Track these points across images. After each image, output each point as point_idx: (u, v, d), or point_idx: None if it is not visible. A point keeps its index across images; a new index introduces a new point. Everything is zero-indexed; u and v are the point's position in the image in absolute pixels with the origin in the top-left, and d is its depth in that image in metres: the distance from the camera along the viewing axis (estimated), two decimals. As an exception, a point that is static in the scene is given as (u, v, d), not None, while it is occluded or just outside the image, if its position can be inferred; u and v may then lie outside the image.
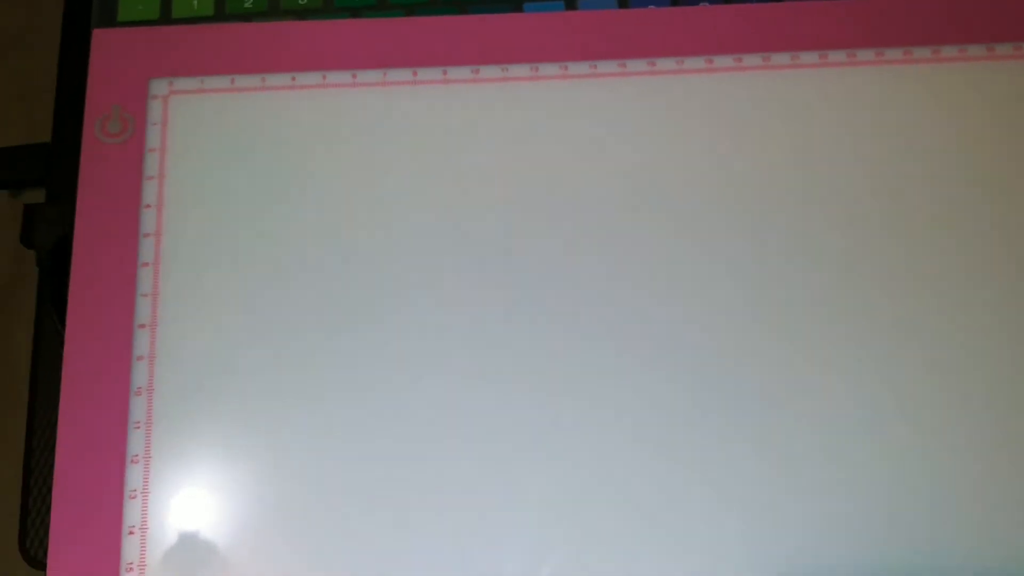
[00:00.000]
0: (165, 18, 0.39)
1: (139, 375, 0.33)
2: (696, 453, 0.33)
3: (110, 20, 0.38)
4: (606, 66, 0.36)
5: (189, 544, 0.32)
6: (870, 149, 0.36)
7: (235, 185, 0.35)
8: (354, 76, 0.36)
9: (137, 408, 0.33)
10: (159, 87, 0.36)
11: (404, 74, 0.36)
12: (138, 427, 0.33)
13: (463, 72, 0.36)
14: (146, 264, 0.35)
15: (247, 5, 0.39)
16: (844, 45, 0.37)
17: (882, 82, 0.36)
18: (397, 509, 0.32)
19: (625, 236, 0.35)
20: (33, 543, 0.33)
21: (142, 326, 0.34)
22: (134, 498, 0.32)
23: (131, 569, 0.32)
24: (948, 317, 0.34)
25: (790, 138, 0.36)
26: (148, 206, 0.35)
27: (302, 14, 0.39)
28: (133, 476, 0.33)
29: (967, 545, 0.32)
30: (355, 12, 0.39)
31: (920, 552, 0.32)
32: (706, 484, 0.32)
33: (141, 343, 0.34)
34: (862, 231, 0.35)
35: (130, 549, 0.32)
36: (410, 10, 0.39)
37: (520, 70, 0.36)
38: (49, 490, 0.33)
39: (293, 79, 0.36)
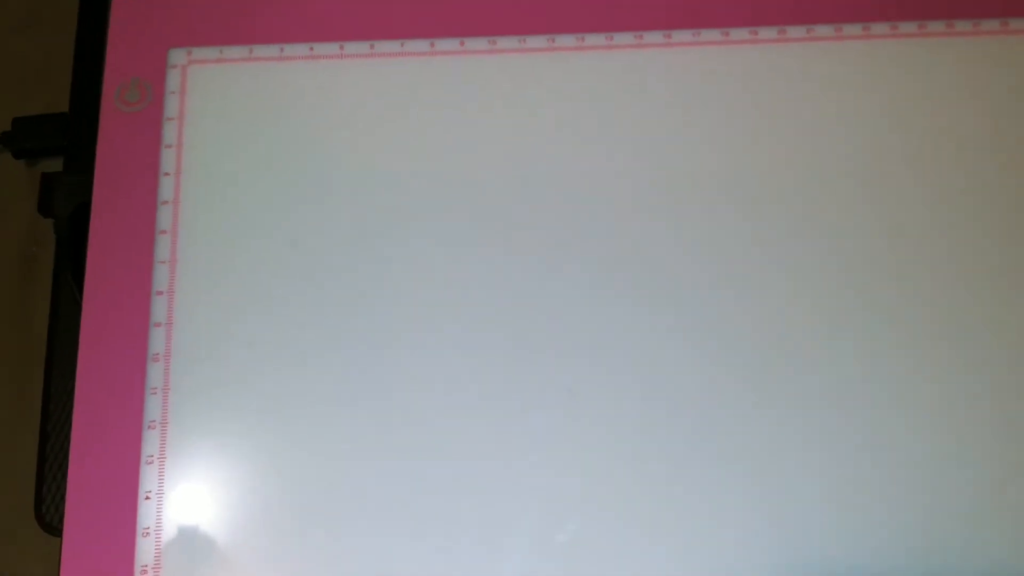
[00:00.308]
0: (182, -9, 0.39)
1: (156, 342, 0.33)
2: (714, 451, 0.32)
3: (127, -7, 0.38)
4: (622, 38, 0.37)
5: (206, 510, 0.32)
6: (889, 122, 0.36)
7: (252, 154, 0.35)
8: (372, 47, 0.37)
9: (154, 375, 0.33)
10: (178, 56, 0.36)
11: (421, 45, 0.36)
12: (155, 394, 0.33)
13: (480, 43, 0.36)
14: (164, 232, 0.35)
15: (264, -21, 0.39)
16: (860, 19, 0.37)
17: (899, 56, 0.37)
18: (418, 500, 0.32)
19: (647, 219, 0.35)
20: (49, 509, 0.33)
21: (160, 293, 0.34)
22: (151, 463, 0.32)
23: (147, 534, 0.32)
24: (991, 305, 0.34)
25: (810, 111, 0.36)
26: (166, 174, 0.35)
27: (320, -14, 0.39)
28: (150, 442, 0.32)
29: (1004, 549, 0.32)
30: (372, -15, 0.39)
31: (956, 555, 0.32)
32: (724, 484, 0.32)
33: (159, 310, 0.34)
34: (888, 210, 0.35)
35: (147, 515, 0.32)
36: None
37: (537, 41, 0.36)
38: (66, 457, 0.32)
39: (311, 49, 0.36)
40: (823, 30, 0.37)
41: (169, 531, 0.32)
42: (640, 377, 0.33)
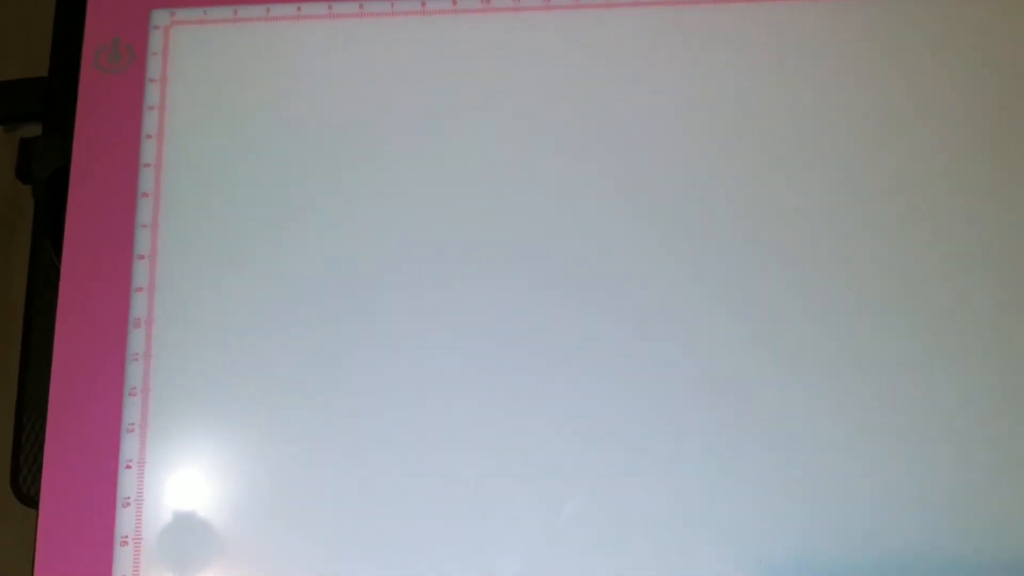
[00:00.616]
0: (167, -45, 0.38)
1: (138, 306, 0.32)
2: (724, 452, 0.31)
3: (110, -43, 0.37)
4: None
5: (189, 480, 0.31)
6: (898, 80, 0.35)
7: (237, 116, 0.34)
8: (361, 7, 0.35)
9: (136, 341, 0.32)
10: (160, 18, 0.35)
11: (412, 4, 0.35)
12: (137, 360, 0.32)
13: (472, 2, 0.35)
14: (146, 195, 0.33)
15: (251, -58, 0.38)
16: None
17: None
18: (399, 502, 0.31)
19: (651, 188, 0.34)
20: (26, 480, 0.32)
21: (141, 257, 0.33)
22: (132, 432, 0.31)
23: (128, 504, 0.30)
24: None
25: (807, 71, 0.35)
26: (148, 136, 0.34)
27: (307, -54, 0.38)
28: (131, 409, 0.31)
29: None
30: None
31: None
32: (710, 483, 0.31)
33: (140, 275, 0.33)
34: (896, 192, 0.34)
35: (127, 484, 0.31)
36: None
37: (531, 0, 0.36)
38: (43, 426, 0.31)
39: (298, 9, 0.35)
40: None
41: (151, 502, 0.31)
42: (646, 367, 0.32)
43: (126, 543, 0.30)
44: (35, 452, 0.32)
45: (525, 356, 0.32)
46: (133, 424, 0.31)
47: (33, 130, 0.36)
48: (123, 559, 0.30)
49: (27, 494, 0.32)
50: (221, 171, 0.34)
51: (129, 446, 0.31)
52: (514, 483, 0.31)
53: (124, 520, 0.30)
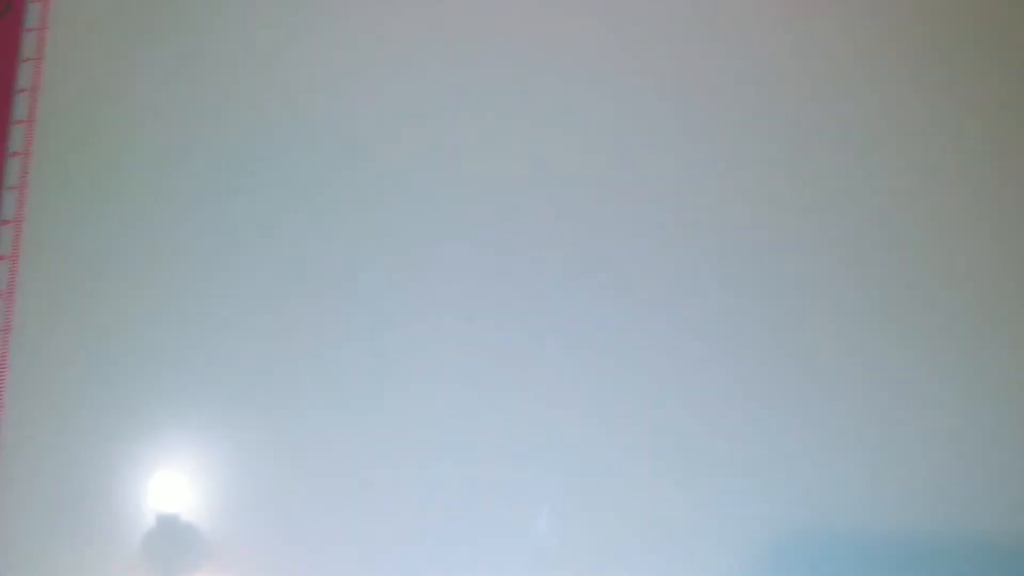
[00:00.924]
0: None
1: (-1, 276, 0.30)
2: (732, 457, 0.28)
3: None
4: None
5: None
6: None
7: (127, 69, 0.31)
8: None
9: (-5, 313, 0.29)
10: (42, -39, 0.33)
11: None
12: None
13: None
14: (16, 154, 0.31)
15: None
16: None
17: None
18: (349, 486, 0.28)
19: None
20: None
21: (5, 222, 0.30)
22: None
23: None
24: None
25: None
26: (22, 90, 0.31)
27: None
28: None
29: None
30: None
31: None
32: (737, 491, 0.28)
33: (4, 240, 0.30)
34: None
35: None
36: None
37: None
38: None
39: (197, -45, 0.33)
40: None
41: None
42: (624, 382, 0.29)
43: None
44: None
45: (520, 346, 0.29)
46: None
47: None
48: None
49: None
50: (103, 132, 0.31)
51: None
52: (511, 482, 0.28)
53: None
